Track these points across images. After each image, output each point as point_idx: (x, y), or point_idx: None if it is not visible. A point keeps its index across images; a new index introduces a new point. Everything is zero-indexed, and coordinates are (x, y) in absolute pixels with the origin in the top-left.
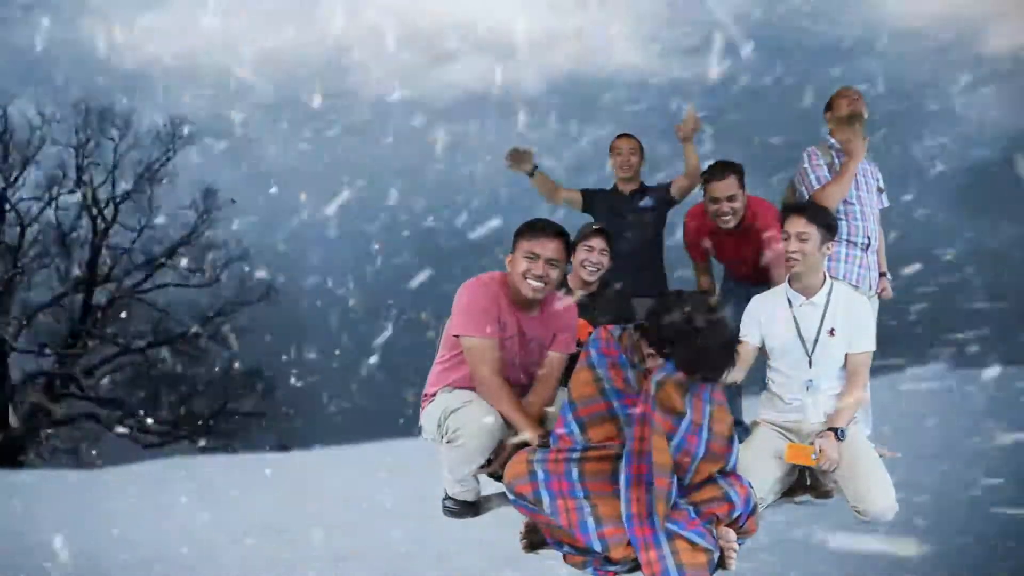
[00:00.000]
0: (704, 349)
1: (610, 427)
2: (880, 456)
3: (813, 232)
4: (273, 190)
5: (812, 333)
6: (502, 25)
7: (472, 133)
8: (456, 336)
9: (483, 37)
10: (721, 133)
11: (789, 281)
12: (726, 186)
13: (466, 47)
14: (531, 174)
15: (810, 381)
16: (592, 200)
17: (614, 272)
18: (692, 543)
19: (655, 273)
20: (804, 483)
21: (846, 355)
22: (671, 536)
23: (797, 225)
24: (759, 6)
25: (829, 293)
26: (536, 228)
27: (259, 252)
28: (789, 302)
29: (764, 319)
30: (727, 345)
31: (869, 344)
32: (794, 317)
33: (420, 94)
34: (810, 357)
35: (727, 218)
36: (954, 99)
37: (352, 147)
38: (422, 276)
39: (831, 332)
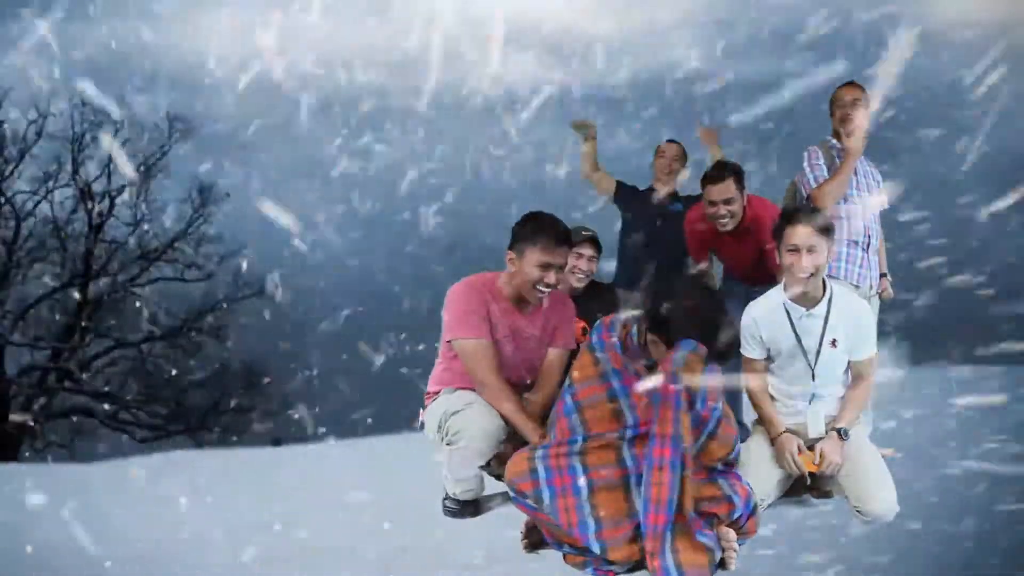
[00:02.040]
0: (709, 321)
1: (606, 409)
2: (882, 456)
3: (822, 243)
4: (270, 185)
5: (814, 344)
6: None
7: (491, 133)
8: (449, 341)
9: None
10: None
11: (784, 288)
12: (722, 189)
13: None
14: (588, 138)
15: (814, 394)
16: (624, 193)
17: (641, 275)
18: (694, 543)
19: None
20: (804, 483)
21: (849, 361)
22: (676, 534)
23: (806, 238)
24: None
25: (829, 301)
26: (550, 237)
27: (255, 246)
28: (788, 314)
29: (765, 333)
30: (729, 321)
31: (871, 348)
32: (795, 330)
33: (435, 90)
34: (813, 370)
35: (724, 221)
36: None
37: (354, 143)
38: (423, 274)
39: (833, 343)
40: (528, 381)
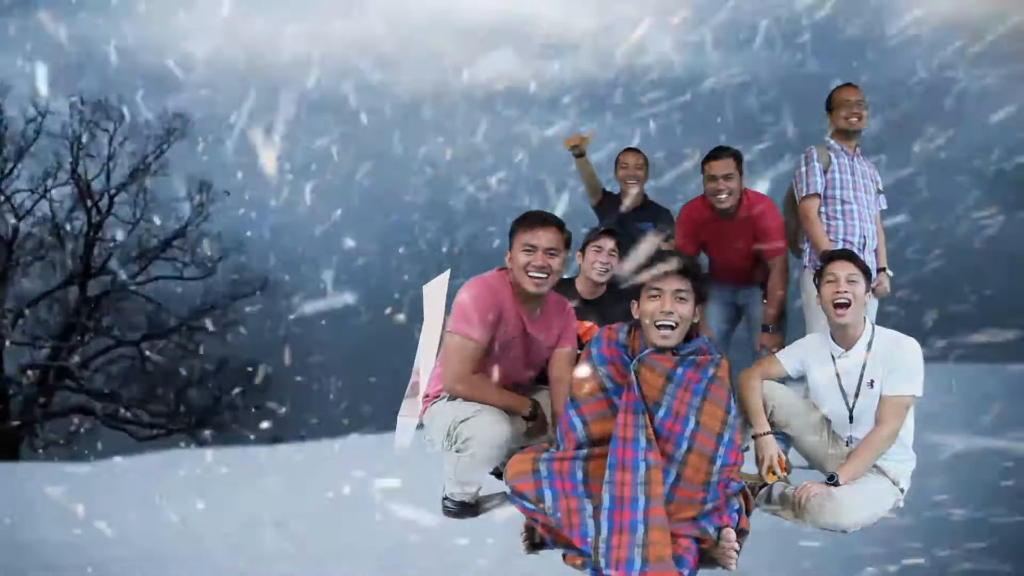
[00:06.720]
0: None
1: (609, 422)
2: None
3: (861, 278)
4: (269, 183)
5: (853, 384)
6: (528, 20)
7: (479, 130)
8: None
9: (502, 31)
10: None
11: (832, 331)
12: (722, 165)
13: (483, 42)
14: (579, 155)
15: (851, 437)
16: (605, 201)
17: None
18: (663, 537)
19: None
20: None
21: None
22: (648, 527)
23: (847, 268)
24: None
25: (870, 342)
26: (530, 219)
27: (253, 245)
28: (832, 355)
29: (811, 361)
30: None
31: (908, 388)
32: (836, 370)
33: (425, 88)
34: (851, 412)
35: (723, 197)
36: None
37: (352, 142)
38: (422, 273)
39: (871, 384)
40: (530, 381)
